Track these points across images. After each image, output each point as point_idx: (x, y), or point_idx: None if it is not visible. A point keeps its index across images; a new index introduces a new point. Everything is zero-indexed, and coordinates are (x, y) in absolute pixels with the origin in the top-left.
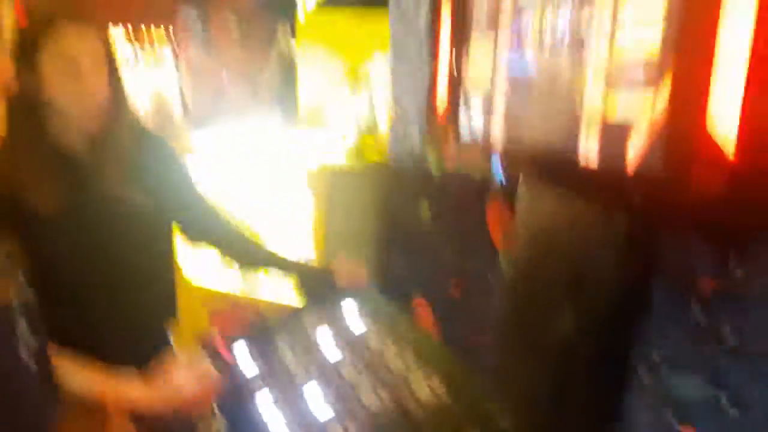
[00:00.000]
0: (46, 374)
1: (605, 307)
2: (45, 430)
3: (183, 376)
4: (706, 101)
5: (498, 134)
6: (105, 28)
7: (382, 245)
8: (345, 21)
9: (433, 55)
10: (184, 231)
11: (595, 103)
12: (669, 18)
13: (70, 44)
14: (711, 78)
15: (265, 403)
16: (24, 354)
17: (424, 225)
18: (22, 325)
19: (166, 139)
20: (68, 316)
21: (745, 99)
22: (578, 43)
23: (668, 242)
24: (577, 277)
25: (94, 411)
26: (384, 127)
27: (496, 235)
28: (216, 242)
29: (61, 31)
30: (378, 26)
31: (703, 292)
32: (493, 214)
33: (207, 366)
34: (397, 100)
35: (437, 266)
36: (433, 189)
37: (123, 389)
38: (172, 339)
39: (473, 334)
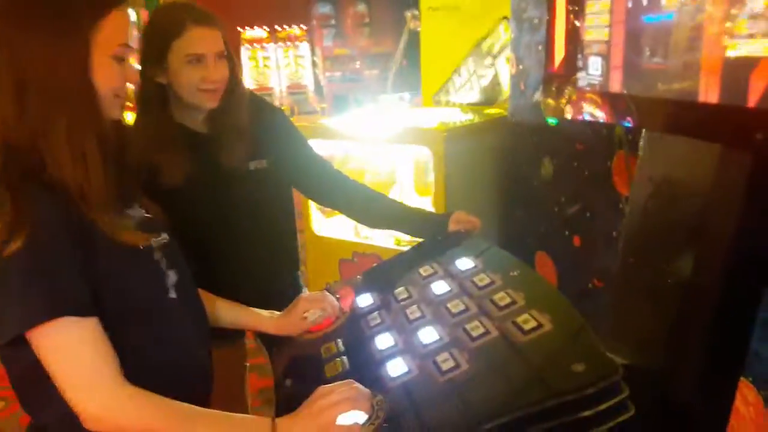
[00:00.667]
0: (189, 306)
1: (729, 252)
2: (194, 362)
3: (309, 309)
4: None
5: (618, 82)
6: (226, 29)
7: (503, 200)
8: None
9: (551, 8)
10: (307, 193)
11: (716, 40)
12: None
13: (196, 44)
14: None
15: (380, 333)
16: (168, 286)
17: (545, 179)
18: (163, 262)
19: (280, 111)
20: (203, 272)
21: None
22: None
23: None
24: (700, 221)
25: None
26: (504, 93)
27: (622, 183)
28: (337, 203)
29: (188, 34)
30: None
31: None
32: (619, 162)
33: (330, 299)
34: (518, 59)
35: (559, 220)
36: (554, 142)
37: (259, 318)
38: (301, 286)
39: (593, 279)
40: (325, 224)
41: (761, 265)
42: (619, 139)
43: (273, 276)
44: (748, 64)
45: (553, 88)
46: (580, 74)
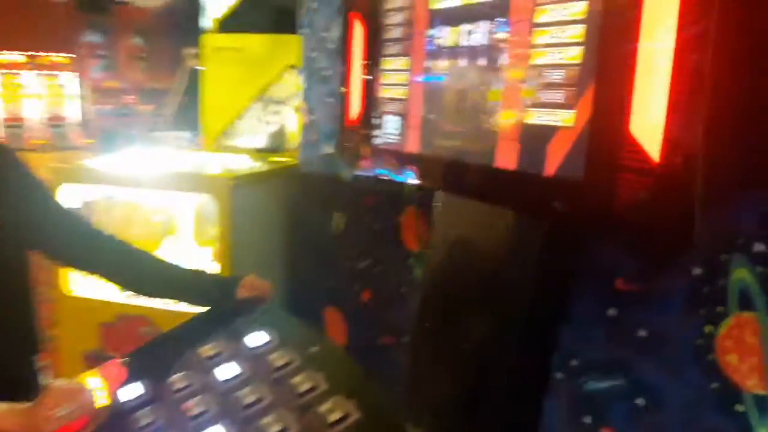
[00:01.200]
0: None
1: (523, 313)
2: None
3: (59, 404)
4: (628, 108)
5: (413, 142)
6: None
7: (292, 253)
8: (252, 44)
9: (346, 63)
10: (53, 257)
11: (512, 110)
12: (590, 20)
13: None
14: (633, 85)
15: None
16: None
17: (336, 232)
18: None
19: (11, 153)
20: None
21: (669, 107)
22: (495, 58)
23: (587, 245)
24: (494, 284)
25: None
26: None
27: (411, 239)
28: (95, 268)
29: None
30: (283, 48)
31: (621, 294)
32: (408, 218)
33: (86, 393)
34: (309, 110)
35: (349, 274)
36: (345, 195)
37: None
38: (44, 372)
39: (383, 336)
40: (81, 282)
41: (553, 334)
42: (409, 195)
43: (4, 361)
44: (545, 134)
45: (347, 143)
46: (376, 131)
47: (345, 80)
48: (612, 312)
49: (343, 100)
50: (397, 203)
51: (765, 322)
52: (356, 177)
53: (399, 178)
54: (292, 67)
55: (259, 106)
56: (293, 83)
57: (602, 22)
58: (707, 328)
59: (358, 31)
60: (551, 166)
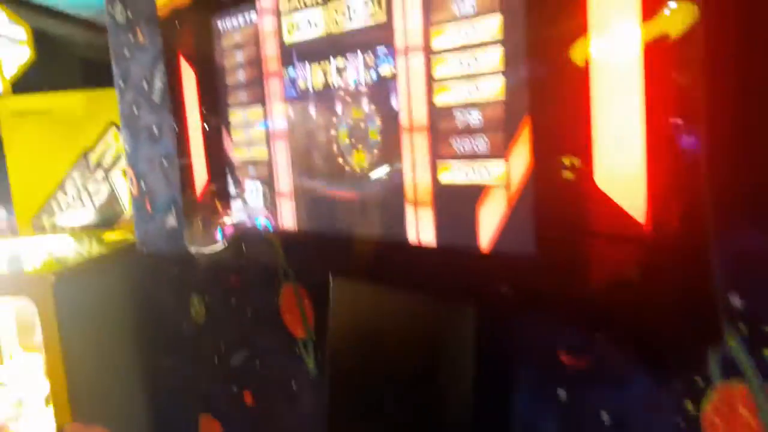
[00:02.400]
0: None
1: (455, 403)
2: None
3: None
4: (588, 153)
5: (286, 215)
6: None
7: (146, 353)
8: (61, 103)
9: (179, 119)
10: None
11: (418, 167)
12: (512, 71)
13: None
14: (589, 119)
15: None
16: None
17: (197, 321)
18: None
19: None
20: None
21: (648, 144)
22: (382, 100)
23: (530, 324)
24: (420, 384)
25: None
26: (126, 211)
27: (295, 323)
28: None
29: None
30: (100, 105)
31: (568, 373)
32: (287, 298)
33: None
34: (138, 176)
35: (222, 372)
36: (203, 276)
37: None
38: None
39: None
40: None
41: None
42: (285, 271)
43: None
44: (470, 195)
45: (198, 218)
46: (234, 200)
47: (181, 141)
48: (560, 390)
49: (184, 165)
50: (272, 281)
51: (758, 392)
52: (213, 254)
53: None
54: (115, 125)
55: (79, 174)
56: (117, 143)
57: (528, 34)
58: (687, 405)
59: (189, 78)
60: (485, 238)
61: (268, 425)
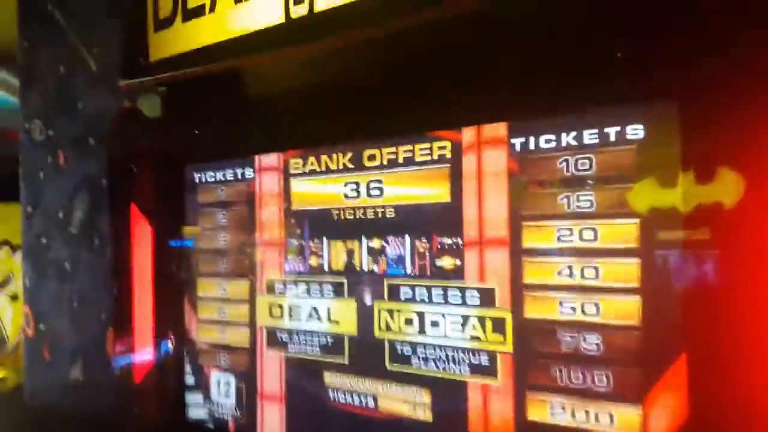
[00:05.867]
0: None
1: None
2: None
3: None
4: None
5: (268, 424)
6: None
7: None
8: None
9: (123, 288)
10: None
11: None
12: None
13: None
14: None
15: None
16: None
17: None
18: None
19: None
20: None
21: None
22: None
23: None
24: None
25: None
26: (11, 348)
27: None
28: None
29: None
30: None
31: None
32: None
33: None
34: (38, 316)
35: None
36: None
37: None
38: None
39: None
40: None
41: None
42: None
43: None
44: None
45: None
46: (188, 392)
47: (121, 305)
48: None
49: (124, 328)
50: None
51: None
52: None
53: None
54: (5, 243)
55: None
56: (9, 264)
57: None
58: None
59: (142, 231)
60: None
61: None
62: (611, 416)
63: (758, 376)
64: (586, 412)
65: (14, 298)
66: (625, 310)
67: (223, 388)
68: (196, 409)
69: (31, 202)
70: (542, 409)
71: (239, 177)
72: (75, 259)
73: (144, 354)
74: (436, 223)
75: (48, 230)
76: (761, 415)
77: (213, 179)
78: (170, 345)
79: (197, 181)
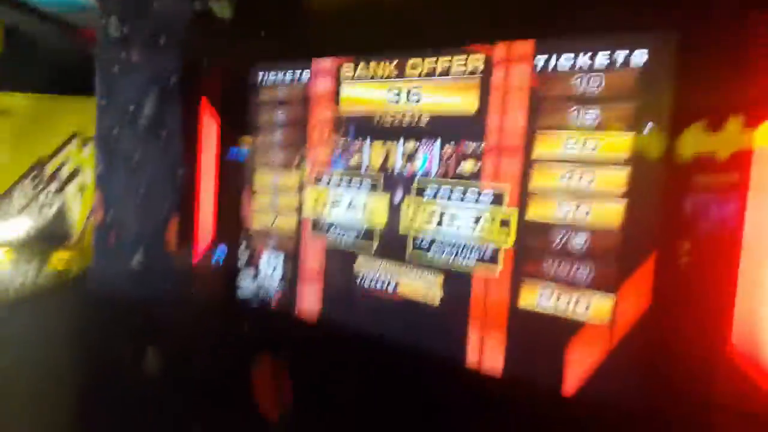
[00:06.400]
0: None
1: None
2: None
3: None
4: (730, 302)
5: (308, 302)
6: None
7: (85, 405)
8: (22, 105)
9: (191, 167)
10: None
11: (498, 287)
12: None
13: None
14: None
15: None
16: None
17: (153, 372)
18: None
19: None
20: None
21: None
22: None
23: None
24: None
25: None
26: (76, 231)
27: (267, 403)
28: None
29: None
30: (64, 113)
31: None
32: (263, 374)
33: None
34: (106, 203)
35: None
36: (166, 326)
37: None
38: None
39: None
40: None
41: None
42: (266, 340)
43: None
44: (557, 331)
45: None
46: (241, 272)
47: (188, 191)
48: None
49: (184, 218)
50: (249, 349)
51: None
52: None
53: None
54: (75, 136)
55: (30, 183)
56: (78, 157)
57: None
58: None
59: (209, 124)
60: (570, 381)
61: None
62: (588, 305)
63: (712, 273)
64: (568, 300)
65: (81, 190)
66: (611, 214)
67: (270, 270)
68: (246, 290)
69: (105, 94)
70: (532, 295)
71: (297, 79)
72: (143, 151)
73: (203, 242)
74: (463, 130)
75: (119, 123)
76: (713, 306)
77: (274, 80)
78: (227, 235)
79: (260, 81)
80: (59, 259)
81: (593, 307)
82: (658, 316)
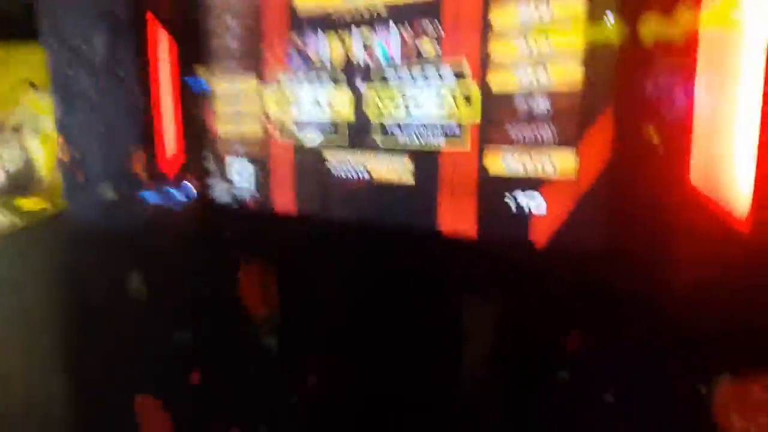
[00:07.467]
0: None
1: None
2: None
3: None
4: (686, 147)
5: (282, 201)
6: None
7: (76, 331)
8: None
9: (145, 92)
10: None
11: (463, 151)
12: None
13: None
14: (692, 107)
15: None
16: None
17: (138, 299)
18: None
19: None
20: None
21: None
22: (419, 76)
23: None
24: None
25: None
26: (44, 178)
27: (255, 304)
28: None
29: None
30: (13, 62)
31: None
32: (250, 279)
33: None
34: (70, 143)
35: (168, 352)
36: (142, 250)
37: None
38: None
39: (218, 424)
40: None
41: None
42: (251, 244)
43: None
44: (523, 187)
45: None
46: (210, 177)
47: (147, 110)
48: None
49: (146, 134)
50: (233, 256)
51: None
52: (161, 228)
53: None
54: (30, 84)
55: None
56: (33, 105)
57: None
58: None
59: (161, 40)
60: (541, 234)
61: (219, 408)
62: (553, 163)
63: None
64: (533, 159)
65: (43, 136)
66: (569, 75)
67: (243, 177)
68: (221, 199)
69: (52, 34)
70: (497, 161)
71: None
72: (100, 88)
73: (173, 162)
74: (419, 12)
75: (71, 62)
76: (670, 152)
77: None
78: (194, 151)
79: None
80: (34, 202)
81: (557, 164)
82: (620, 166)
